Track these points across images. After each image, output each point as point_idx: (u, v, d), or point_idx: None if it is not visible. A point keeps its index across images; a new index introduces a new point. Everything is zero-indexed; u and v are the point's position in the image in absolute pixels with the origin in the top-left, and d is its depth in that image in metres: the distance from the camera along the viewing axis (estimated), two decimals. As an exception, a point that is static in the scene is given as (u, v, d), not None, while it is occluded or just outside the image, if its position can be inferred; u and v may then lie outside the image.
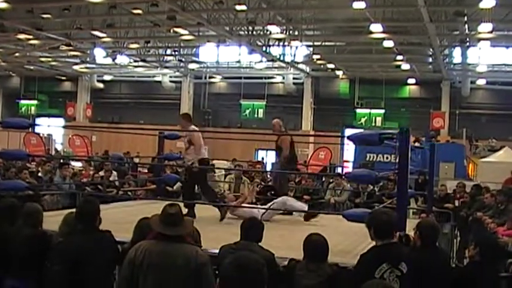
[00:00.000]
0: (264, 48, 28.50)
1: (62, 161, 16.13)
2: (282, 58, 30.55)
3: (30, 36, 27.53)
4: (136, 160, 23.93)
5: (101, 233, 5.64)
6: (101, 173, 15.77)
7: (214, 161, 24.61)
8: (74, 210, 6.13)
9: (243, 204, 10.00)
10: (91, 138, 31.59)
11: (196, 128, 10.48)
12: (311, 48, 29.38)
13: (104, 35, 27.29)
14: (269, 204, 9.97)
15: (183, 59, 33.99)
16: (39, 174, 14.35)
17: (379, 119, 34.32)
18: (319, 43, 28.39)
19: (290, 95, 36.47)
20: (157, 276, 4.67)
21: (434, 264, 5.66)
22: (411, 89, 35.23)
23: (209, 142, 34.15)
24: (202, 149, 10.02)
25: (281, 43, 28.23)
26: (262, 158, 32.49)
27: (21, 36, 27.29)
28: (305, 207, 10.38)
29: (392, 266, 4.97)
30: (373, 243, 5.31)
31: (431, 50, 27.72)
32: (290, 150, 10.94)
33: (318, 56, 30.35)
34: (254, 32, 26.10)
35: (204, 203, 9.86)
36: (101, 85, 41.48)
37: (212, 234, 7.38)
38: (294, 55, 30.72)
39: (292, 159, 11.13)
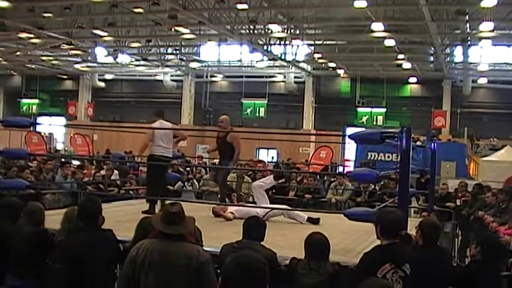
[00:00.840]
0: (265, 47, 28.50)
1: (63, 160, 16.16)
2: (283, 57, 30.55)
3: (32, 35, 27.53)
4: (138, 159, 23.92)
5: (102, 232, 5.63)
6: (102, 172, 15.78)
7: (215, 160, 24.65)
8: (75, 207, 6.12)
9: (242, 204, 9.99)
10: (92, 137, 31.66)
11: (162, 125, 10.81)
12: (312, 47, 29.38)
13: (105, 33, 27.31)
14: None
15: (184, 58, 33.99)
16: (43, 173, 14.33)
17: (380, 118, 34.28)
18: (320, 42, 28.38)
19: (291, 93, 36.47)
20: (159, 275, 4.67)
21: (436, 263, 5.66)
22: (412, 87, 35.21)
23: (210, 141, 34.34)
24: (154, 146, 10.23)
25: (282, 42, 28.25)
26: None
27: (23, 35, 27.28)
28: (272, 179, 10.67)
29: (395, 267, 4.96)
30: (375, 241, 5.30)
31: (432, 48, 27.71)
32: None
33: (319, 55, 30.34)
34: (255, 31, 26.13)
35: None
36: (102, 84, 41.50)
37: (214, 233, 7.38)
38: (295, 54, 30.68)
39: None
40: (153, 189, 10.28)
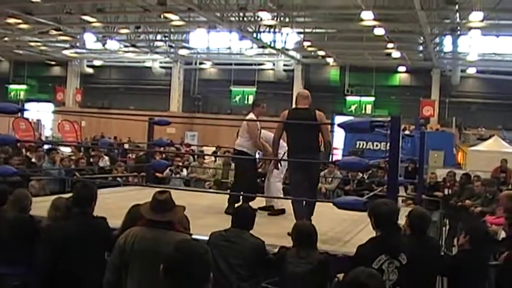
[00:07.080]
0: (254, 35, 28.41)
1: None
2: (272, 45, 30.44)
3: (20, 21, 27.32)
4: (126, 146, 23.88)
5: (95, 219, 5.58)
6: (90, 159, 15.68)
7: (203, 147, 24.65)
8: (61, 195, 6.06)
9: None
10: (80, 123, 31.52)
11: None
12: (302, 35, 29.33)
13: (94, 19, 27.12)
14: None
15: (174, 45, 33.89)
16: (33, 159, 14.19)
17: (369, 106, 34.44)
18: (310, 30, 28.34)
19: (280, 81, 36.48)
20: (146, 263, 4.65)
21: (425, 252, 5.66)
22: (401, 77, 35.33)
23: (199, 128, 34.37)
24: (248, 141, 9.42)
25: (272, 30, 28.16)
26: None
27: (11, 20, 27.10)
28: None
29: (391, 257, 4.96)
30: (364, 230, 5.31)
31: (422, 38, 27.70)
32: None
33: (309, 43, 30.32)
34: (245, 18, 26.00)
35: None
36: (90, 70, 41.34)
37: (202, 221, 7.36)
38: (285, 42, 30.63)
39: None
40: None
